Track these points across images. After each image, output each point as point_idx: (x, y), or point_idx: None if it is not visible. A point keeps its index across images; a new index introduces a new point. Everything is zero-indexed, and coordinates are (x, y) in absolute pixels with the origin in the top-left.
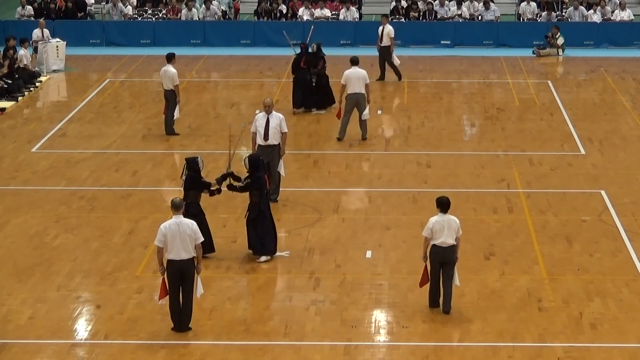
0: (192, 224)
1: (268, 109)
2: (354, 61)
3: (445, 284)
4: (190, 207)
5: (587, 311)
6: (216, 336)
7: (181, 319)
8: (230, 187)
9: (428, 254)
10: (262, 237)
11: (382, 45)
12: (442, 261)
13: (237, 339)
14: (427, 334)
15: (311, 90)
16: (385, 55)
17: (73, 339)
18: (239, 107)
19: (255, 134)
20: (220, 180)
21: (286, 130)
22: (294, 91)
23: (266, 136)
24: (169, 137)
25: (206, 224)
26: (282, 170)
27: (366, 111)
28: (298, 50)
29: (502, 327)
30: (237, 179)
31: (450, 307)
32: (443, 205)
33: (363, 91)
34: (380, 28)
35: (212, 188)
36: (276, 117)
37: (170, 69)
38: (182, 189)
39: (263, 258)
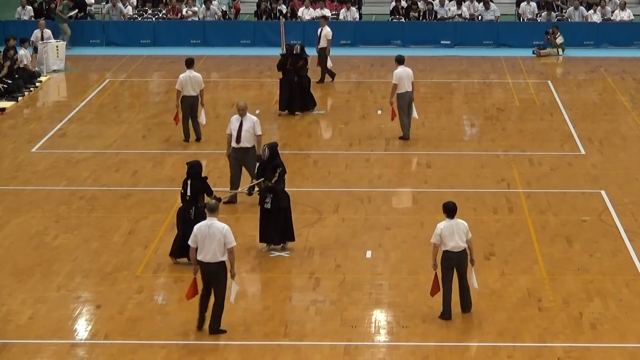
0: (223, 228)
1: (242, 112)
2: (401, 60)
3: (461, 285)
4: (202, 214)
5: (587, 311)
6: (216, 336)
7: (211, 320)
8: (263, 190)
9: (439, 261)
10: (281, 226)
11: (320, 47)
12: (456, 266)
13: (237, 339)
14: (427, 334)
15: (298, 91)
16: (322, 56)
17: (73, 339)
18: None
19: (230, 136)
20: (251, 191)
21: (260, 133)
22: (280, 93)
23: (239, 139)
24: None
25: None
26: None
27: (414, 110)
28: (282, 51)
29: (502, 327)
30: (269, 179)
31: (471, 306)
32: (450, 210)
33: (411, 89)
34: (320, 30)
35: (214, 196)
36: (249, 120)
37: (195, 73)
38: (188, 193)
39: (288, 245)
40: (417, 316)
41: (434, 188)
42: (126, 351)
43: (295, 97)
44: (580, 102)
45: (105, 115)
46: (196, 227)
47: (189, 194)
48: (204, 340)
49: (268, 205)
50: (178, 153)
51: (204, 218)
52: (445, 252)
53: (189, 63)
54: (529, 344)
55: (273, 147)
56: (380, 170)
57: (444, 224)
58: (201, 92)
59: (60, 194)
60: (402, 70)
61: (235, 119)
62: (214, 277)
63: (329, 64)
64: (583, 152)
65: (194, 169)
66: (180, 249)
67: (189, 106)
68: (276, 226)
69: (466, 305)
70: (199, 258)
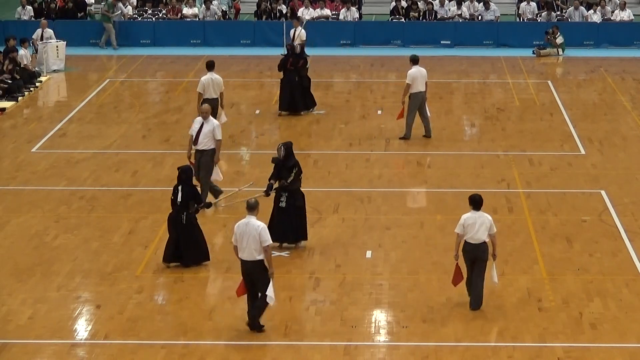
0: (258, 226)
1: (205, 115)
2: (415, 60)
3: (475, 281)
4: (193, 219)
5: (587, 311)
6: (216, 336)
7: (253, 312)
8: (279, 188)
9: (460, 252)
10: (296, 224)
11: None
12: (473, 258)
13: (237, 339)
14: (427, 334)
15: (299, 91)
16: None
17: (73, 339)
18: (239, 107)
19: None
20: (268, 191)
21: (220, 137)
22: (280, 93)
23: (196, 141)
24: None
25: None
26: (218, 175)
27: (427, 109)
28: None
29: (502, 327)
30: (285, 178)
31: (481, 304)
32: (476, 202)
33: (425, 89)
34: (292, 31)
35: (202, 205)
36: (210, 124)
37: (216, 76)
38: (179, 199)
39: (302, 243)
40: (417, 316)
41: (434, 188)
42: (126, 351)
43: (297, 97)
44: (580, 102)
45: (105, 115)
46: (236, 225)
47: (179, 200)
48: (204, 340)
49: (283, 204)
50: (178, 153)
51: (196, 223)
52: (465, 244)
53: (210, 65)
54: (529, 344)
55: (289, 147)
56: (380, 170)
57: (468, 215)
58: (221, 94)
59: (60, 194)
60: (416, 70)
61: (197, 122)
62: (253, 275)
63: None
64: (583, 152)
65: (185, 174)
66: (173, 253)
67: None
68: (291, 225)
69: (476, 301)
70: (240, 256)
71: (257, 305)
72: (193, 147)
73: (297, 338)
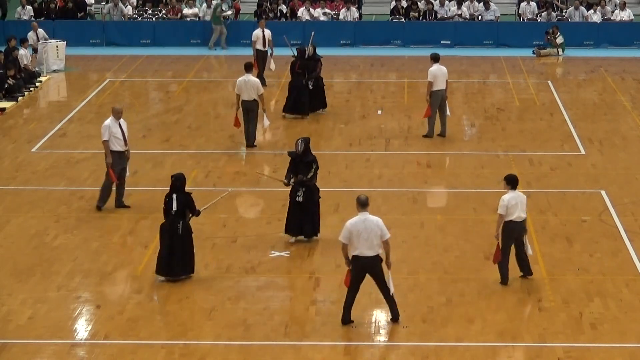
0: (378, 220)
1: (119, 115)
2: (436, 58)
3: (522, 255)
4: (189, 229)
5: (587, 311)
6: (216, 336)
7: (391, 313)
8: (297, 183)
9: (501, 231)
10: (312, 219)
11: (258, 49)
12: (517, 236)
13: (237, 339)
14: (427, 334)
15: (306, 94)
16: (262, 59)
17: (73, 339)
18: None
19: (108, 141)
20: (288, 182)
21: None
22: (288, 95)
23: (126, 142)
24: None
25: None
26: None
27: (447, 108)
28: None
29: (502, 327)
30: (304, 174)
31: (531, 272)
32: (513, 182)
33: (445, 87)
34: (260, 31)
35: (198, 211)
36: (124, 123)
37: (252, 78)
38: (174, 208)
39: (315, 238)
40: (417, 316)
41: (434, 188)
42: (126, 351)
43: (304, 100)
44: (580, 102)
45: (105, 115)
46: (350, 224)
47: (175, 208)
48: (204, 340)
49: (300, 199)
50: (178, 153)
51: (191, 233)
52: (509, 223)
53: (247, 67)
54: (529, 344)
55: (307, 142)
56: (380, 170)
57: (509, 196)
58: (261, 97)
59: (60, 194)
60: (437, 68)
61: (112, 124)
62: (372, 270)
63: (272, 66)
64: (583, 152)
65: (179, 181)
66: (165, 266)
67: (245, 111)
68: (308, 219)
69: (528, 270)
70: (355, 253)
71: (391, 308)
72: (123, 148)
73: (297, 338)
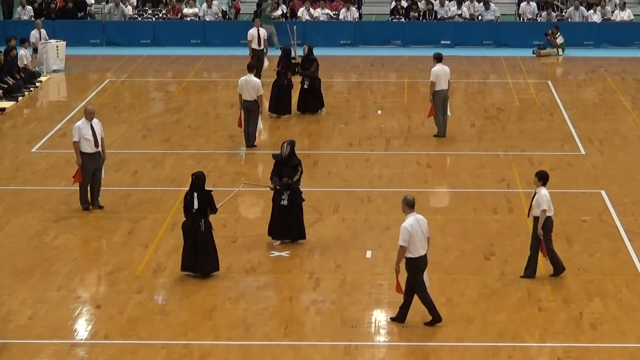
0: (423, 218)
1: (92, 116)
2: (440, 58)
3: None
4: (210, 227)
5: (587, 311)
6: (216, 336)
7: (430, 313)
8: (280, 186)
9: (543, 227)
10: (298, 223)
11: (254, 47)
12: (552, 230)
13: (237, 339)
14: (427, 334)
15: (286, 94)
16: (260, 58)
17: (73, 339)
18: (238, 107)
19: (78, 143)
20: (275, 186)
21: (103, 135)
22: (270, 94)
23: (97, 143)
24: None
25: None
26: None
27: (449, 108)
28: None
29: (502, 327)
30: (290, 177)
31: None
32: (545, 178)
33: (447, 87)
34: (255, 30)
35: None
36: (98, 124)
37: (253, 78)
38: (195, 207)
39: (301, 242)
40: (417, 316)
41: (434, 188)
42: (126, 351)
43: (283, 99)
44: (580, 102)
45: (105, 115)
46: (408, 226)
47: (196, 207)
48: (204, 340)
49: (285, 202)
50: (178, 153)
51: (212, 231)
52: (549, 218)
53: (249, 68)
54: (529, 344)
55: (293, 145)
56: (380, 170)
57: (547, 192)
58: (259, 98)
59: (60, 194)
60: (440, 68)
61: (83, 125)
62: (425, 267)
63: (266, 64)
64: (583, 152)
65: (200, 180)
66: (191, 263)
67: (245, 111)
68: (294, 222)
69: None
70: (414, 255)
71: (409, 302)
72: (93, 150)
73: (297, 338)
